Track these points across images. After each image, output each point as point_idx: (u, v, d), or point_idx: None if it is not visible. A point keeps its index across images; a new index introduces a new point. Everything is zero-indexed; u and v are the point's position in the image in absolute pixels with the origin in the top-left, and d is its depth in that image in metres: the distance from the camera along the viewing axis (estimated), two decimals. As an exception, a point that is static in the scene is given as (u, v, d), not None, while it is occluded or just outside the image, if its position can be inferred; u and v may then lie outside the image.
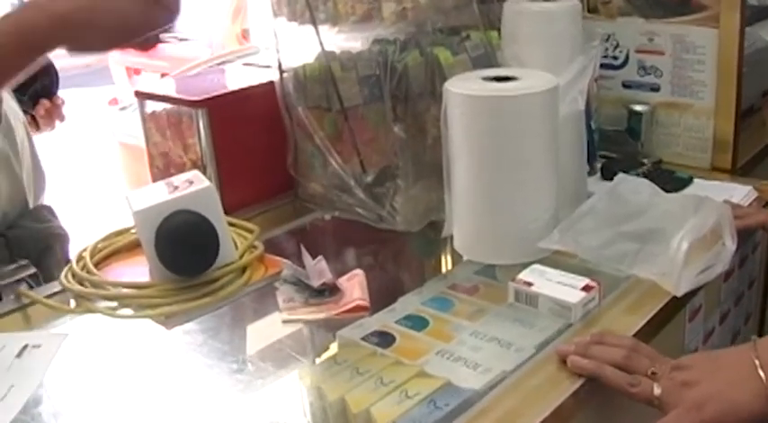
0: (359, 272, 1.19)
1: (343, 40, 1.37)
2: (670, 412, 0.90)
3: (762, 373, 0.88)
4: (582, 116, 1.29)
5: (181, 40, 5.68)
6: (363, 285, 1.17)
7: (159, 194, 1.16)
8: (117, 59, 6.06)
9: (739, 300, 1.43)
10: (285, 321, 1.12)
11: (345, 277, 1.19)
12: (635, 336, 1.03)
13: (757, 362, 0.89)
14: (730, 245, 1.18)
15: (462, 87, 1.14)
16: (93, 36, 0.99)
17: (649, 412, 0.92)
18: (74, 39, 0.98)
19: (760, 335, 1.69)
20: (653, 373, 0.93)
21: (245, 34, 5.61)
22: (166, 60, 5.28)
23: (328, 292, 1.15)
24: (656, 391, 0.91)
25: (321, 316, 1.12)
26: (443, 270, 1.35)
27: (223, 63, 3.43)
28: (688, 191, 1.44)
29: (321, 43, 1.34)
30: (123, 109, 3.46)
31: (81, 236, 1.43)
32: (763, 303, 1.65)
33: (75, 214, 2.26)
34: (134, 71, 6.02)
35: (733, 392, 0.89)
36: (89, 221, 2.36)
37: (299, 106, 1.38)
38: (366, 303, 1.12)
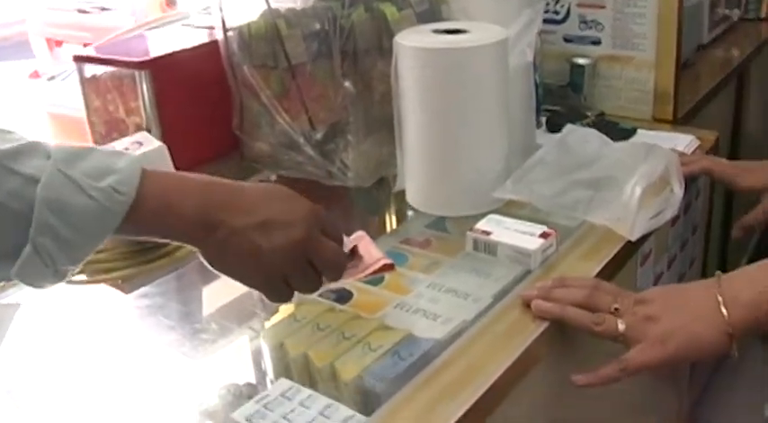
0: (362, 233, 1.14)
1: (288, -4, 1.35)
2: (634, 347, 0.92)
3: (724, 310, 0.90)
4: (530, 68, 1.30)
5: (103, 9, 5.54)
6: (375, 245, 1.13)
7: (108, 157, 1.14)
8: (37, 31, 5.91)
9: (684, 245, 1.47)
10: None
11: (352, 239, 1.14)
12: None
13: (720, 298, 0.91)
14: (678, 191, 1.20)
15: (414, 40, 1.13)
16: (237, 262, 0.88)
17: (616, 351, 0.94)
18: (219, 254, 0.87)
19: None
20: (616, 310, 0.95)
21: (168, 2, 5.50)
22: (89, 31, 5.15)
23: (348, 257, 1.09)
24: (620, 327, 0.93)
25: (349, 281, 1.07)
26: (394, 225, 1.36)
27: (150, 30, 3.36)
28: (633, 141, 1.46)
29: (267, 0, 1.32)
30: (51, 79, 3.38)
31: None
32: (705, 249, 1.69)
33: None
34: (55, 43, 5.87)
35: (696, 327, 0.91)
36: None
37: (245, 65, 1.36)
38: (391, 261, 1.08)
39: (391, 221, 1.40)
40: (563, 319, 0.96)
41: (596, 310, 0.96)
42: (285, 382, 0.89)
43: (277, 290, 0.89)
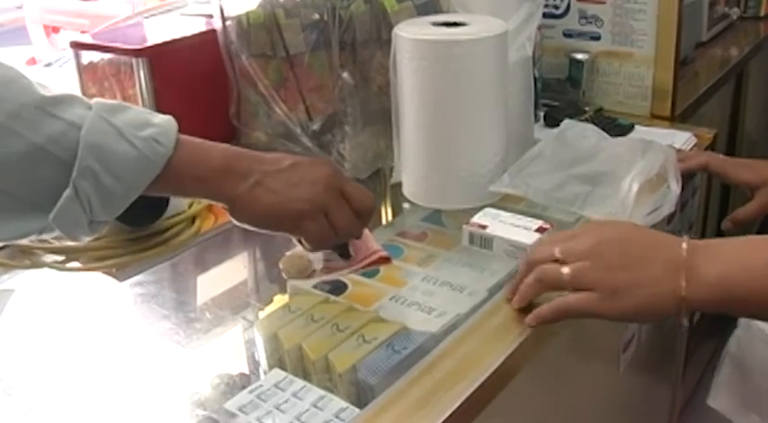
0: None
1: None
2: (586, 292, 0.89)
3: (683, 282, 0.85)
4: (530, 62, 1.30)
5: (101, -4, 5.53)
6: (372, 236, 1.14)
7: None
8: (34, 18, 5.89)
9: (680, 243, 1.47)
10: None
11: None
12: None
13: (683, 267, 0.86)
14: (675, 187, 1.20)
15: (412, 32, 1.13)
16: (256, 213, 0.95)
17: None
18: (251, 202, 0.93)
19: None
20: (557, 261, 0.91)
21: (166, -11, 5.47)
22: (86, 18, 5.14)
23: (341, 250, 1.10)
24: (565, 272, 0.90)
25: (344, 272, 1.08)
26: (390, 218, 1.36)
27: (148, 18, 3.35)
28: (631, 137, 1.46)
29: (265, -10, 1.32)
30: (48, 65, 3.37)
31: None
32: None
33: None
34: (52, 29, 5.86)
35: (652, 289, 0.86)
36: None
37: (243, 54, 1.36)
38: (387, 254, 1.10)
39: (387, 214, 1.40)
40: (526, 301, 0.95)
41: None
42: (279, 373, 0.89)
43: (320, 226, 0.96)
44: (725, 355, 1.11)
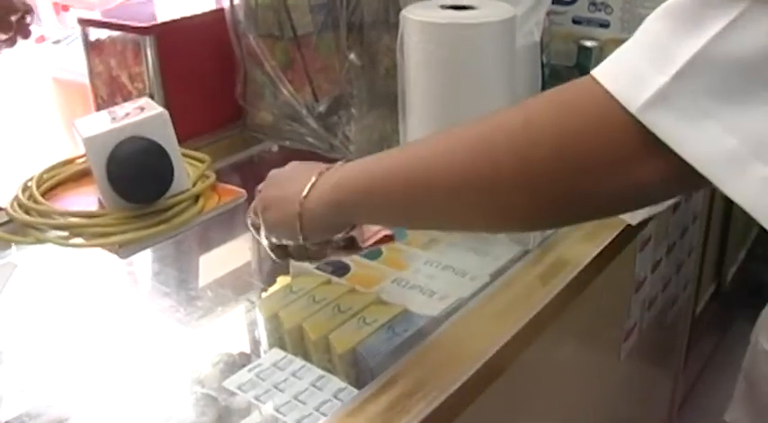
0: None
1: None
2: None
3: (298, 223, 0.82)
4: (537, 48, 1.29)
5: (110, -24, 5.51)
6: None
7: (110, 121, 1.13)
8: (44, -5, 5.87)
9: (684, 233, 1.47)
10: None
11: None
12: (590, 264, 1.05)
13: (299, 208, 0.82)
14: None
15: (420, 15, 1.12)
16: None
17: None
18: None
19: (701, 269, 1.74)
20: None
21: (178, -31, 5.46)
22: (95, -4, 5.12)
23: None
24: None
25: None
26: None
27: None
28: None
29: (273, -31, 1.32)
30: (57, 43, 3.35)
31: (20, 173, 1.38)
32: (704, 239, 1.69)
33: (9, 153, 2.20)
34: (62, 7, 5.84)
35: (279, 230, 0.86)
36: (25, 160, 2.29)
37: (250, 34, 1.35)
38: (391, 232, 1.08)
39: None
40: None
41: None
42: (278, 352, 0.90)
43: None
44: (741, 371, 1.13)
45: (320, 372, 0.86)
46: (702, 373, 2.24)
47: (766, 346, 1.10)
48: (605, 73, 0.59)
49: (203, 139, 1.41)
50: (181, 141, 1.29)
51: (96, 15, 1.49)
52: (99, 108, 1.48)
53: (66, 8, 5.76)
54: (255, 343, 0.98)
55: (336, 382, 0.84)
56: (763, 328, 1.12)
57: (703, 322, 2.05)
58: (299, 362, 0.88)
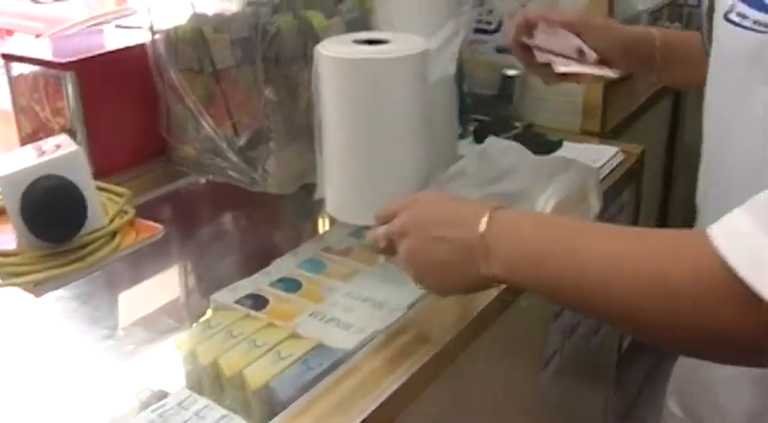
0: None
1: (217, 1, 1.35)
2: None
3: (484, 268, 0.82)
4: (452, 81, 1.31)
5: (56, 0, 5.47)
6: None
7: (26, 159, 1.13)
8: (-15, 19, 5.81)
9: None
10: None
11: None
12: (501, 295, 1.06)
13: (482, 248, 0.81)
14: (596, 205, 1.21)
15: (332, 50, 1.13)
16: None
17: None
18: None
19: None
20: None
21: (122, -5, 5.43)
22: (41, 21, 5.08)
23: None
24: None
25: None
26: (319, 232, 1.36)
27: (99, 24, 3.32)
28: (558, 153, 1.47)
29: (192, 4, 1.32)
30: (-8, 72, 3.34)
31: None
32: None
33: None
34: (6, 32, 5.78)
35: (449, 276, 0.87)
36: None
37: (171, 69, 1.36)
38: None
39: (319, 228, 1.40)
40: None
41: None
42: (184, 392, 0.90)
43: None
44: None
45: (224, 411, 0.86)
46: (639, 397, 2.26)
47: (674, 411, 1.12)
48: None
49: (127, 173, 1.41)
50: (105, 175, 1.30)
51: (22, 49, 1.48)
52: (23, 143, 1.47)
53: (10, 32, 5.69)
54: (173, 380, 0.98)
55: (239, 422, 0.85)
56: (672, 392, 1.14)
57: (634, 347, 2.07)
58: (203, 401, 0.88)
